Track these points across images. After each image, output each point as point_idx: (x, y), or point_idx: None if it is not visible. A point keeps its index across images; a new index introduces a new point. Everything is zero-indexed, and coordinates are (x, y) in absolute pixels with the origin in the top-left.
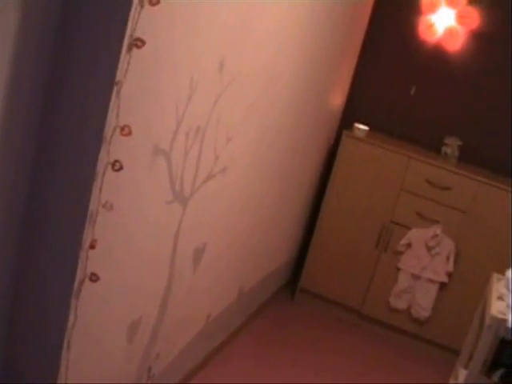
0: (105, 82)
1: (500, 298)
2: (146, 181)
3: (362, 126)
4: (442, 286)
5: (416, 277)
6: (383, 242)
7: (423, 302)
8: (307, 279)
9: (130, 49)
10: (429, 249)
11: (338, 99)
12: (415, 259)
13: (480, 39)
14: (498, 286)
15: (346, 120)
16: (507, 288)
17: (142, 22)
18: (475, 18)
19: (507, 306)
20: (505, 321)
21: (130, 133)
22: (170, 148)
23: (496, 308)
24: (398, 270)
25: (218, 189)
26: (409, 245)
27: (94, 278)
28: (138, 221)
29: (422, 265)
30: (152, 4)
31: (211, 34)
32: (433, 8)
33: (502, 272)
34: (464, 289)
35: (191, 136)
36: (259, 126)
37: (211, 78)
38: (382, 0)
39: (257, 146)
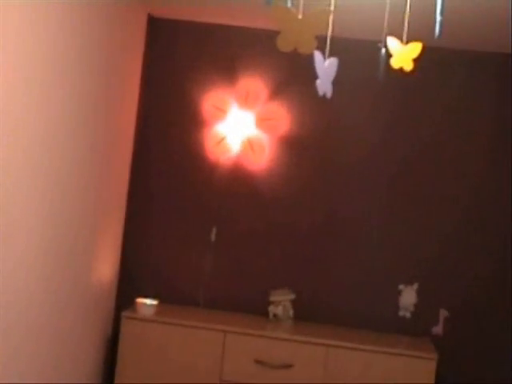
0: None
1: None
2: None
3: (148, 301)
4: None
5: None
6: None
7: None
8: None
9: None
10: None
11: (106, 270)
12: None
13: (292, 147)
14: None
15: (125, 296)
16: None
17: None
18: (282, 119)
19: None
20: None
21: None
22: None
23: None
24: None
25: None
26: None
27: None
28: None
29: None
30: None
31: None
32: (220, 114)
33: None
34: None
35: None
36: None
37: None
38: (147, 116)
39: None
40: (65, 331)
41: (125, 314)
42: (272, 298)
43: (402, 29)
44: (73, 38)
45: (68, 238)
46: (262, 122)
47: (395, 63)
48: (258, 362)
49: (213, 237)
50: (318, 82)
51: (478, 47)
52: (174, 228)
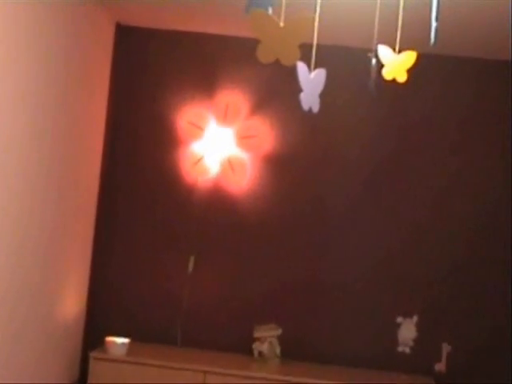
0: None
1: None
2: None
3: (118, 340)
4: None
5: None
6: None
7: None
8: None
9: None
10: None
11: (73, 306)
12: None
13: (276, 166)
14: None
15: (93, 334)
16: None
17: None
18: (264, 137)
19: None
20: None
21: None
22: None
23: None
24: None
25: None
26: None
27: None
28: None
29: None
30: None
31: None
32: (196, 131)
33: None
34: None
35: None
36: None
37: None
38: (116, 135)
39: None
40: (27, 373)
41: (93, 354)
42: (257, 335)
43: (395, 36)
44: (37, 48)
45: (31, 271)
46: (243, 139)
47: (388, 74)
48: None
49: (190, 267)
50: (302, 95)
51: (477, 54)
52: (147, 259)
